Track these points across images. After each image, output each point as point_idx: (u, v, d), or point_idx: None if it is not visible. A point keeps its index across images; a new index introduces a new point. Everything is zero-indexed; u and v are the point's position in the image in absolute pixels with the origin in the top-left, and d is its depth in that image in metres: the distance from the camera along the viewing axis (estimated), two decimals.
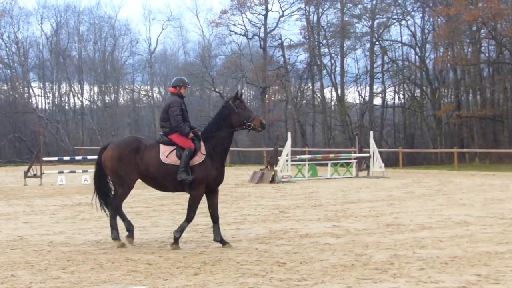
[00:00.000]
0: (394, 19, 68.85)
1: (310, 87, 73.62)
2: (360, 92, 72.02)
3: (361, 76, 71.40)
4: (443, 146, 62.59)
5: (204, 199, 13.08)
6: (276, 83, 72.91)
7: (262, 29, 72.64)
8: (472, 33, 62.08)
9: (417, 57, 67.87)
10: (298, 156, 37.22)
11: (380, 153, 38.84)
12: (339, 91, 69.56)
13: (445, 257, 11.28)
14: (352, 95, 75.43)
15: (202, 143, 12.87)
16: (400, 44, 69.62)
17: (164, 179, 12.84)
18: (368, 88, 70.38)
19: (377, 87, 71.19)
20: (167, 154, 12.75)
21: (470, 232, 14.27)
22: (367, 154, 35.73)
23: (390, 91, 71.80)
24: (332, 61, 70.72)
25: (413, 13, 68.06)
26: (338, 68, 70.28)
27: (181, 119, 12.92)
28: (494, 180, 32.12)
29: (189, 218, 12.91)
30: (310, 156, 39.87)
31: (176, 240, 12.69)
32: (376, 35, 68.00)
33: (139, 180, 13.14)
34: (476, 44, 61.50)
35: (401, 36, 70.12)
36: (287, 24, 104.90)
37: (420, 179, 32.95)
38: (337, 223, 16.11)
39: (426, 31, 67.90)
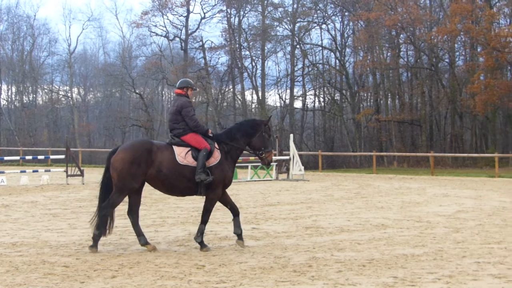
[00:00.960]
0: (315, 23, 69.46)
1: (231, 90, 73.78)
2: (280, 95, 72.48)
3: (281, 79, 71.86)
4: (362, 149, 63.43)
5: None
6: (197, 85, 72.70)
7: (183, 31, 72.44)
8: (392, 38, 63.04)
9: (337, 61, 68.56)
10: None
11: (300, 156, 39.06)
12: (260, 94, 69.85)
13: (363, 260, 11.37)
14: (273, 98, 75.97)
15: (216, 145, 12.95)
16: (320, 48, 70.29)
17: (177, 181, 12.62)
18: (288, 91, 70.88)
19: (297, 90, 71.74)
20: (183, 155, 12.64)
21: (388, 235, 14.42)
22: (287, 157, 35.88)
23: (311, 95, 72.43)
24: (253, 64, 70.94)
25: (333, 17, 68.81)
26: (259, 71, 70.61)
27: (197, 119, 12.88)
28: (411, 183, 32.59)
29: (206, 220, 12.91)
30: None
31: (202, 244, 12.64)
32: (297, 39, 68.44)
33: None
34: (395, 49, 62.48)
35: (322, 40, 70.86)
36: (208, 26, 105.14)
37: (339, 182, 33.24)
38: (257, 225, 16.11)
39: (346, 35, 68.67)
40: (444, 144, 60.98)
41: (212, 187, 12.69)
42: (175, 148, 12.74)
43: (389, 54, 64.44)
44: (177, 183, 12.62)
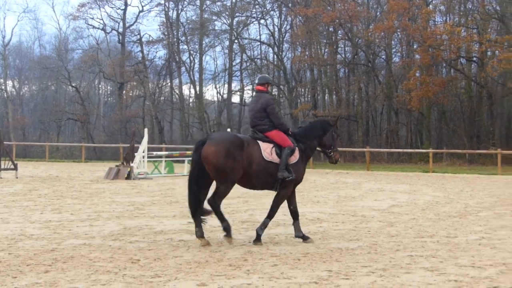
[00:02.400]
0: (253, 17, 69.50)
1: (169, 84, 73.44)
2: (218, 90, 72.33)
3: (219, 74, 71.73)
4: None
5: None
6: (134, 78, 72.35)
7: (121, 24, 72.01)
8: (329, 34, 63.38)
9: (275, 56, 68.70)
10: (154, 153, 37.00)
11: None
12: (198, 88, 69.76)
13: (298, 253, 11.43)
14: (211, 93, 75.93)
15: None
16: (258, 43, 70.37)
17: (262, 176, 12.71)
18: (226, 85, 70.80)
19: (235, 85, 71.75)
20: (269, 151, 12.76)
21: (323, 229, 14.52)
22: None
23: (248, 89, 72.41)
24: (191, 58, 70.82)
25: (272, 12, 68.89)
26: (196, 65, 70.50)
27: (281, 116, 12.88)
28: (347, 178, 32.87)
29: (272, 214, 13.09)
30: (167, 152, 39.68)
31: (259, 238, 12.70)
32: (235, 33, 68.39)
33: None
34: (332, 45, 62.82)
35: (260, 35, 71.00)
36: (146, 20, 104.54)
37: None
38: (192, 220, 16.04)
39: (284, 30, 68.84)
40: (380, 140, 61.55)
41: (286, 184, 12.90)
42: (260, 143, 12.86)
43: (326, 50, 64.76)
44: (261, 178, 12.75)
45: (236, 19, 69.12)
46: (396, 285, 8.98)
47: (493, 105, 54.49)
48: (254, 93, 12.94)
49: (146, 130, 34.93)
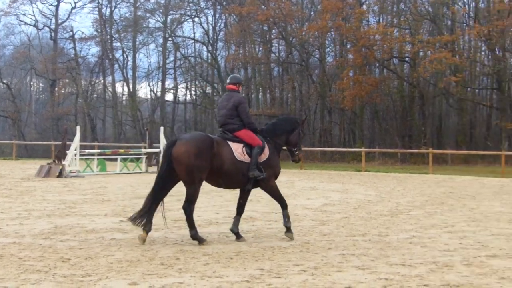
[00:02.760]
0: (187, 15, 69.37)
1: (102, 81, 72.86)
2: (152, 88, 72.05)
3: (153, 72, 71.42)
4: None
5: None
6: (66, 76, 71.56)
7: (53, 20, 71.17)
8: (264, 33, 63.54)
9: (209, 54, 68.64)
10: (87, 151, 36.64)
11: None
12: (131, 86, 69.34)
13: (230, 252, 11.41)
14: (144, 90, 75.62)
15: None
16: (192, 41, 70.24)
17: (235, 176, 12.79)
18: (160, 83, 70.53)
19: (169, 83, 71.58)
20: (240, 151, 12.84)
21: (256, 228, 14.54)
22: (157, 150, 35.66)
23: (182, 87, 72.38)
24: (124, 56, 70.44)
25: (206, 10, 68.84)
26: (130, 63, 70.08)
27: (251, 116, 13.08)
28: (280, 177, 32.74)
29: (284, 204, 13.28)
30: (99, 150, 39.31)
31: (289, 229, 13.09)
32: (169, 31, 68.17)
33: None
34: (267, 44, 63.00)
35: (194, 33, 70.90)
36: (79, 16, 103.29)
37: None
38: (125, 218, 15.88)
39: (218, 29, 68.83)
40: (313, 139, 61.88)
41: (266, 180, 13.06)
42: (230, 144, 12.90)
43: (261, 48, 64.93)
44: (234, 178, 12.83)
45: (170, 17, 68.94)
46: (328, 284, 9.02)
47: (424, 105, 55.26)
48: (225, 92, 12.99)
49: (78, 127, 34.51)
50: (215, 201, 20.25)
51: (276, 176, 13.42)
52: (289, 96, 64.55)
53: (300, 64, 61.86)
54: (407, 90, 57.87)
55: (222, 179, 12.83)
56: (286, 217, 13.13)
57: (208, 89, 70.34)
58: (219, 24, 69.30)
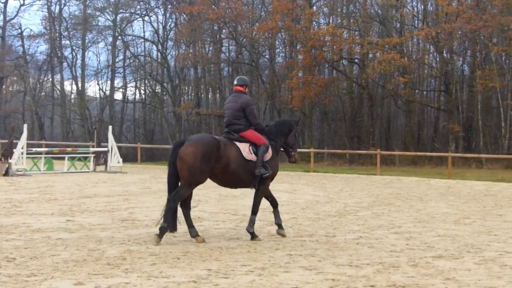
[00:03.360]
0: (137, 14, 69.13)
1: (50, 79, 72.19)
2: (101, 86, 71.60)
3: (102, 70, 71.00)
4: None
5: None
6: (14, 73, 70.73)
7: (1, 17, 70.27)
8: (214, 32, 63.50)
9: (159, 53, 68.43)
10: (34, 149, 36.22)
11: (119, 148, 38.70)
12: (80, 84, 68.86)
13: (178, 252, 11.36)
14: (93, 89, 75.18)
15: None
16: (142, 40, 69.98)
17: (243, 175, 13.12)
18: (109, 82, 70.21)
19: (118, 82, 71.22)
20: (247, 151, 13.18)
21: (204, 228, 14.49)
22: (105, 149, 35.40)
23: (131, 86, 72.13)
24: (73, 54, 69.90)
25: (156, 9, 68.66)
26: (79, 61, 69.54)
27: (257, 117, 13.32)
28: None
29: (256, 210, 13.48)
30: (47, 149, 38.86)
31: (253, 235, 13.24)
32: (118, 30, 67.81)
33: None
34: (217, 44, 62.98)
35: (144, 32, 70.65)
36: (28, 14, 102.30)
37: (158, 174, 33.12)
38: (71, 217, 15.79)
39: (168, 28, 68.65)
40: None
41: (264, 180, 13.39)
42: (237, 144, 13.22)
43: (211, 48, 64.90)
44: (242, 177, 13.15)
45: (120, 15, 68.68)
46: (274, 284, 9.02)
47: (373, 106, 55.68)
48: (233, 93, 13.17)
49: (25, 125, 34.04)
50: (163, 201, 20.06)
51: (273, 177, 13.73)
52: None
53: (250, 64, 61.93)
54: (356, 91, 58.30)
55: (230, 178, 13.14)
56: (252, 222, 13.34)
57: (158, 89, 70.14)
58: (169, 23, 69.21)
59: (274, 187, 26.71)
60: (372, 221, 16.45)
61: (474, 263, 10.85)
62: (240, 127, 13.38)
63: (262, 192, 13.51)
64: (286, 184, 28.66)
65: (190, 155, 12.47)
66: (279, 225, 13.66)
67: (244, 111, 13.42)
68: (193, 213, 16.88)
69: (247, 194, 23.04)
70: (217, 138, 13.06)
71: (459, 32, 51.41)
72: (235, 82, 13.88)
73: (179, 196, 12.60)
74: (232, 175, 13.02)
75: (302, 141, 57.94)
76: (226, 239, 12.99)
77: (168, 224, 12.52)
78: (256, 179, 13.27)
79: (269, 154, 13.44)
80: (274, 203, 13.82)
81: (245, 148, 13.15)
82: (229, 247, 12.07)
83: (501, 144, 50.51)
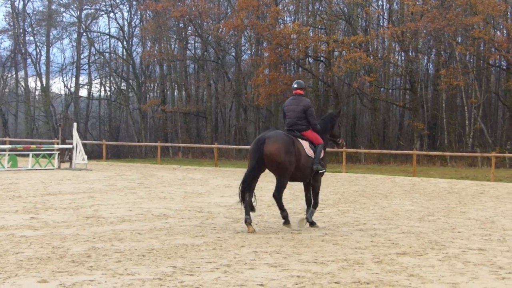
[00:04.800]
0: (102, 11, 68.80)
1: (14, 76, 71.64)
2: (65, 83, 71.19)
3: (67, 67, 70.61)
4: (147, 139, 63.40)
5: None
6: None
7: None
8: (179, 29, 63.40)
9: (124, 50, 68.20)
10: None
11: (84, 145, 38.52)
12: (44, 81, 68.31)
13: (143, 250, 11.31)
14: (58, 86, 74.73)
15: None
16: (107, 37, 69.69)
17: (305, 170, 14.49)
18: (74, 79, 69.79)
19: (83, 79, 70.86)
20: (308, 148, 14.50)
21: (169, 225, 14.45)
22: (70, 146, 35.18)
23: (97, 83, 71.84)
24: (38, 50, 69.36)
25: (121, 6, 68.39)
26: (43, 57, 69.05)
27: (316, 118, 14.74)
28: (195, 174, 32.88)
29: (317, 202, 15.30)
30: (10, 146, 38.53)
31: (313, 223, 14.90)
32: (83, 26, 67.44)
33: None
34: (182, 41, 62.90)
35: (109, 29, 70.46)
36: None
37: (123, 172, 33.00)
38: (36, 215, 15.67)
39: (133, 25, 68.44)
40: (228, 136, 62.09)
41: (319, 176, 14.92)
42: (301, 141, 14.54)
43: (176, 45, 64.80)
44: (305, 171, 14.53)
45: (85, 11, 68.31)
46: (240, 281, 9.02)
47: (339, 104, 55.85)
48: (292, 96, 15.11)
49: None
50: (128, 199, 20.07)
51: (322, 174, 15.14)
52: (204, 93, 64.55)
53: (216, 61, 61.94)
54: (322, 89, 58.52)
55: (298, 173, 14.39)
56: (312, 213, 15.02)
57: (123, 86, 69.89)
58: (134, 20, 68.96)
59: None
60: (337, 218, 16.51)
61: (437, 259, 10.93)
62: (303, 127, 14.68)
63: (319, 185, 15.10)
64: None
65: (276, 152, 13.90)
66: (311, 222, 14.90)
67: (305, 113, 14.71)
68: (158, 211, 16.92)
69: (213, 192, 23.12)
70: (289, 135, 14.43)
71: (424, 31, 51.81)
72: (295, 86, 15.36)
73: (280, 190, 14.34)
74: (300, 169, 14.31)
75: None
76: (192, 236, 12.95)
77: (284, 211, 14.49)
78: (312, 174, 14.60)
79: (323, 153, 14.78)
80: (309, 202, 15.07)
81: (306, 146, 14.45)
82: (194, 244, 12.05)
83: (465, 142, 51.02)
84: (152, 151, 59.49)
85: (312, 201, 15.04)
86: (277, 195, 14.32)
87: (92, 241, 12.19)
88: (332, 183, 29.15)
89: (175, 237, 12.87)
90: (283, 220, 14.48)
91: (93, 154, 53.24)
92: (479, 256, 11.30)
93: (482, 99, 52.48)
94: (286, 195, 18.42)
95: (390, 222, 15.97)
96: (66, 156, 35.17)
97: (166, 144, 54.48)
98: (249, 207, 14.05)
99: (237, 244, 12.11)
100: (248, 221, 13.89)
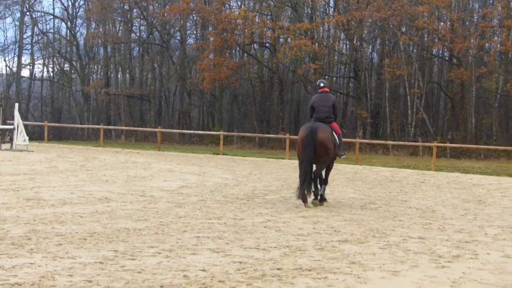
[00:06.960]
0: None
1: None
2: (7, 63, 70.18)
3: (9, 46, 69.55)
4: (90, 122, 62.89)
5: None
6: None
7: None
8: (124, 12, 62.93)
9: (68, 31, 67.45)
10: None
11: (25, 126, 38.04)
12: None
13: (84, 233, 11.21)
14: None
15: None
16: (51, 17, 68.82)
17: (332, 155, 16.90)
18: (16, 59, 68.81)
19: (25, 59, 69.88)
20: (333, 136, 16.96)
21: (111, 209, 14.34)
22: (11, 127, 34.71)
23: (39, 64, 70.94)
24: None
25: None
26: None
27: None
28: (138, 158, 32.71)
29: (327, 181, 17.74)
30: None
31: (323, 198, 17.17)
32: (27, 5, 66.52)
33: None
34: (127, 23, 62.45)
35: (54, 9, 69.55)
36: None
37: (65, 154, 32.67)
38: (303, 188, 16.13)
39: (77, 5, 67.75)
40: (172, 120, 61.88)
41: (333, 160, 17.59)
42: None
43: (121, 28, 64.32)
44: (331, 156, 16.86)
45: None
46: (182, 266, 8.99)
47: (283, 91, 56.10)
48: (319, 93, 17.86)
49: None
50: (69, 181, 19.87)
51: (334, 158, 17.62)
52: (148, 76, 64.26)
53: (160, 45, 61.65)
54: (267, 76, 58.63)
55: (326, 157, 16.63)
56: (323, 190, 17.17)
57: (66, 67, 69.16)
58: (79, 0, 68.16)
59: (183, 169, 26.75)
60: (280, 205, 16.56)
61: (379, 247, 11.02)
62: (331, 120, 17.24)
63: (331, 168, 17.90)
64: (195, 167, 28.60)
65: (327, 139, 16.42)
66: (322, 195, 17.05)
67: (334, 107, 17.34)
68: (100, 194, 16.79)
69: (156, 176, 23.02)
70: (328, 126, 16.89)
71: (369, 20, 52.19)
72: (321, 84, 17.78)
73: (322, 169, 16.91)
74: (329, 154, 16.60)
75: (212, 124, 58.06)
76: (134, 221, 12.87)
77: (316, 188, 16.81)
78: (335, 158, 17.57)
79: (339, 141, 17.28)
80: (321, 180, 17.29)
81: (332, 134, 16.84)
82: (136, 228, 11.97)
83: (407, 131, 51.60)
84: (94, 134, 59.06)
85: (324, 179, 17.26)
86: (319, 173, 16.78)
87: (33, 223, 12.04)
88: (275, 169, 29.23)
89: (117, 221, 12.78)
90: (313, 197, 16.64)
91: (34, 135, 52.65)
92: (419, 245, 11.43)
93: (424, 89, 53.09)
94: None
95: (332, 209, 16.07)
96: (6, 136, 34.71)
97: (109, 127, 54.13)
98: (309, 188, 16.27)
99: (179, 229, 12.07)
100: (305, 200, 16.25)
